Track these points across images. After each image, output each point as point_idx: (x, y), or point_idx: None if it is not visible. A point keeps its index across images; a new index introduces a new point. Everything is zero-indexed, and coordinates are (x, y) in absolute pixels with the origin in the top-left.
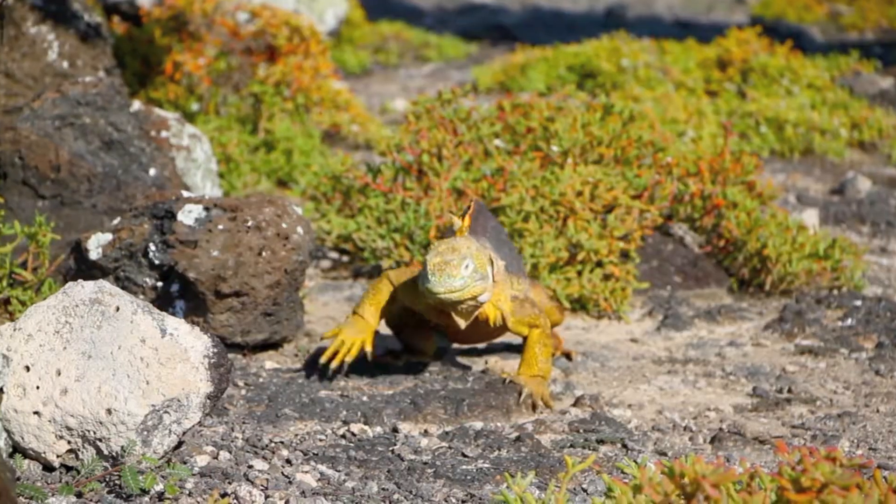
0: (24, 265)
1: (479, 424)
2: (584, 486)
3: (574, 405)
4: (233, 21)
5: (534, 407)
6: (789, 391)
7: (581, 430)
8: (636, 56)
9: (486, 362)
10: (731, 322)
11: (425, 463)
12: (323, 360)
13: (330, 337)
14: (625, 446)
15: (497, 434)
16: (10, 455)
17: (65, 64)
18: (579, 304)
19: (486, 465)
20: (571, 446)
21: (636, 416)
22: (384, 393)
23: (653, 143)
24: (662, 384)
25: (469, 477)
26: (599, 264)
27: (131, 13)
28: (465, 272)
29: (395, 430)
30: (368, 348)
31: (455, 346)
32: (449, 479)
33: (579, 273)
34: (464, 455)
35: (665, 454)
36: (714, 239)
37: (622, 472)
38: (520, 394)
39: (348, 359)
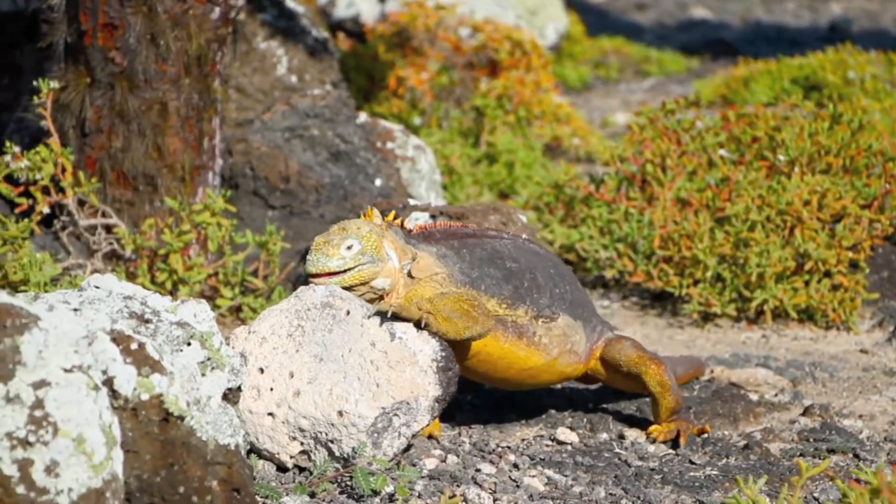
0: (255, 273)
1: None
2: (816, 494)
3: (803, 414)
4: (455, 36)
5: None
6: None
7: (811, 440)
8: (863, 68)
9: (713, 371)
10: None
11: (652, 469)
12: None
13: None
14: (856, 456)
15: (724, 442)
16: (247, 454)
17: (293, 78)
18: (807, 315)
19: (714, 472)
20: (801, 455)
21: (867, 426)
22: (610, 399)
23: (882, 152)
24: (895, 395)
25: (697, 484)
26: (827, 274)
27: (355, 30)
28: (347, 252)
29: (621, 436)
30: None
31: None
32: (677, 485)
33: (806, 283)
34: (691, 462)
35: None
36: None
37: (856, 481)
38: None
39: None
